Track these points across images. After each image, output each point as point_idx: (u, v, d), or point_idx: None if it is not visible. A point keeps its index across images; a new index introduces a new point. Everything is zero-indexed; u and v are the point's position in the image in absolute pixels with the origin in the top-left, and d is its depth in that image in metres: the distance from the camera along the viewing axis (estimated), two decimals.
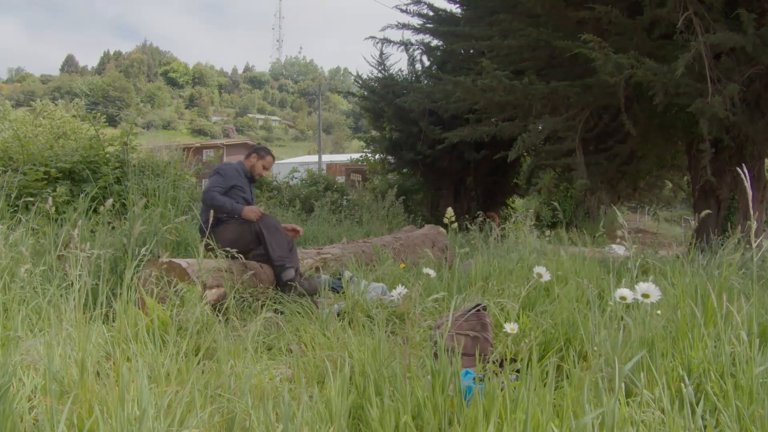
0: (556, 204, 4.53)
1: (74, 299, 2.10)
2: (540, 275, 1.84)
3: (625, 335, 1.97)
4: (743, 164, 2.04)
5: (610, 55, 5.79)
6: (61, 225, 3.74)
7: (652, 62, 5.81)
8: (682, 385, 1.53)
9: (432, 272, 2.05)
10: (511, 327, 1.74)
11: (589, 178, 7.35)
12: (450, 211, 2.18)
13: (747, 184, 1.88)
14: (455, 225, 2.23)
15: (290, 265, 3.76)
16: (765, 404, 1.61)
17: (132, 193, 4.31)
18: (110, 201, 2.77)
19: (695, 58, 5.58)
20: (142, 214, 3.98)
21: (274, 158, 4.36)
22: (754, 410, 1.57)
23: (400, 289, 1.89)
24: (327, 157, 34.69)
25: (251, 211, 3.82)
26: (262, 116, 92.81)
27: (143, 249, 2.68)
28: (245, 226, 3.83)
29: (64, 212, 4.27)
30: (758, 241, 2.12)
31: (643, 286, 1.67)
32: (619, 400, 1.48)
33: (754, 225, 1.94)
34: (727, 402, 1.62)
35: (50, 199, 2.94)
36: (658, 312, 2.05)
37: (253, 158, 4.20)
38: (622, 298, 1.72)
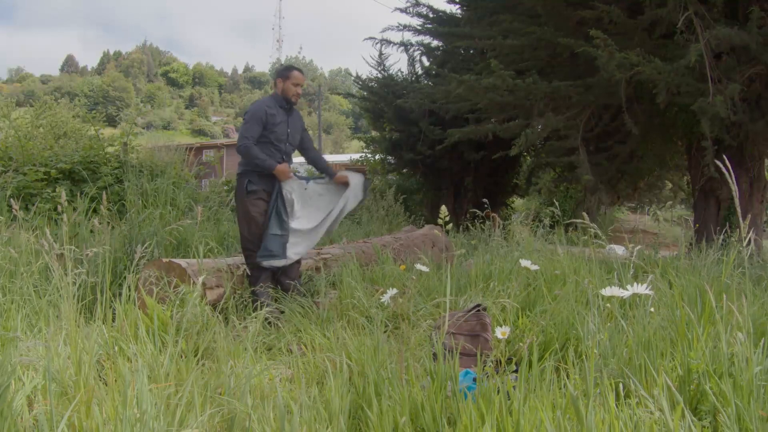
0: (556, 205, 4.51)
1: (74, 298, 2.10)
2: (527, 268, 1.86)
3: (622, 336, 1.97)
4: (742, 164, 2.05)
5: (614, 53, 5.80)
6: (58, 224, 3.74)
7: (658, 61, 5.82)
8: (669, 385, 1.53)
9: (425, 268, 2.06)
10: (501, 331, 1.72)
11: (591, 176, 7.36)
12: (444, 210, 2.17)
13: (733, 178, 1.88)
14: (450, 225, 2.23)
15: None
16: (765, 405, 1.61)
17: (131, 194, 4.31)
18: (104, 201, 2.77)
19: (698, 53, 5.58)
20: (141, 215, 3.99)
21: (300, 71, 3.80)
22: (754, 410, 1.57)
23: (391, 292, 1.90)
24: (327, 158, 34.61)
25: (282, 172, 3.55)
26: None
27: (143, 249, 2.68)
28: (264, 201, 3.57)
29: (62, 212, 4.26)
30: (749, 237, 2.12)
31: (633, 287, 1.68)
32: (613, 401, 1.48)
33: (745, 225, 1.94)
34: (726, 402, 1.61)
35: (63, 194, 2.93)
36: (651, 309, 2.05)
37: (279, 83, 3.70)
38: (613, 296, 1.72)
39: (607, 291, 1.72)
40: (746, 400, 1.63)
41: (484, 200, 6.21)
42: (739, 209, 2.11)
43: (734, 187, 1.97)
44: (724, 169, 1.96)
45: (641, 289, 1.68)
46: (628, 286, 1.70)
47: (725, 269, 2.70)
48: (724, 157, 2.07)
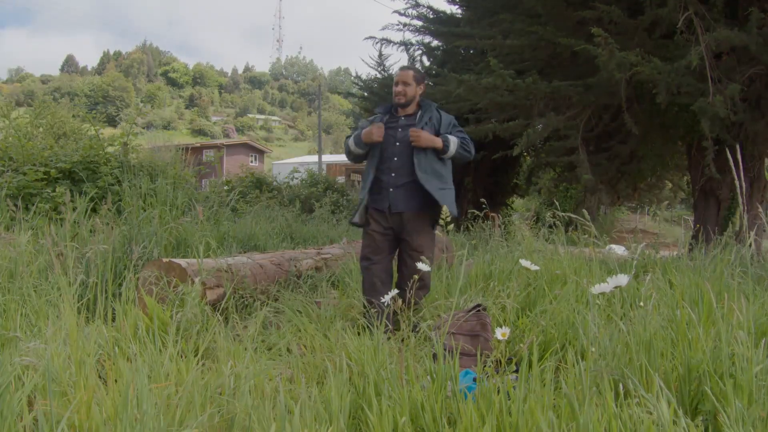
0: (557, 205, 4.48)
1: (73, 298, 2.09)
2: (527, 268, 1.86)
3: (622, 336, 1.97)
4: (742, 164, 2.05)
5: (614, 51, 5.80)
6: (61, 225, 3.74)
7: (658, 60, 5.83)
8: (661, 386, 1.53)
9: (426, 267, 2.06)
10: (502, 332, 1.71)
11: (591, 175, 7.36)
12: (445, 210, 2.17)
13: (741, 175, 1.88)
14: (450, 227, 2.23)
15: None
16: (765, 405, 1.61)
17: (128, 195, 4.31)
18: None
19: (699, 55, 5.59)
20: (140, 215, 3.98)
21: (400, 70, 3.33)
22: (754, 411, 1.57)
23: (392, 293, 1.91)
24: (327, 158, 34.71)
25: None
26: (262, 116, 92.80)
27: (141, 249, 2.68)
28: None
29: (61, 213, 4.27)
30: (752, 235, 2.12)
31: (614, 279, 1.69)
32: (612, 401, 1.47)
33: (746, 220, 1.94)
34: (726, 402, 1.61)
35: (67, 193, 2.92)
36: (641, 304, 2.05)
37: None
38: (601, 293, 1.72)
39: (597, 288, 1.72)
40: (746, 400, 1.63)
41: (482, 200, 6.19)
42: (744, 206, 2.11)
43: (739, 183, 1.96)
44: (731, 160, 1.95)
45: (621, 279, 1.68)
46: (608, 279, 1.70)
47: (718, 266, 2.70)
48: (728, 151, 2.07)
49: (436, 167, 3.10)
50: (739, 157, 1.99)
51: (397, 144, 3.14)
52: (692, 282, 2.84)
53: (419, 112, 3.20)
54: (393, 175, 3.12)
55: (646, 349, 1.90)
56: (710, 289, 2.07)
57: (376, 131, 3.12)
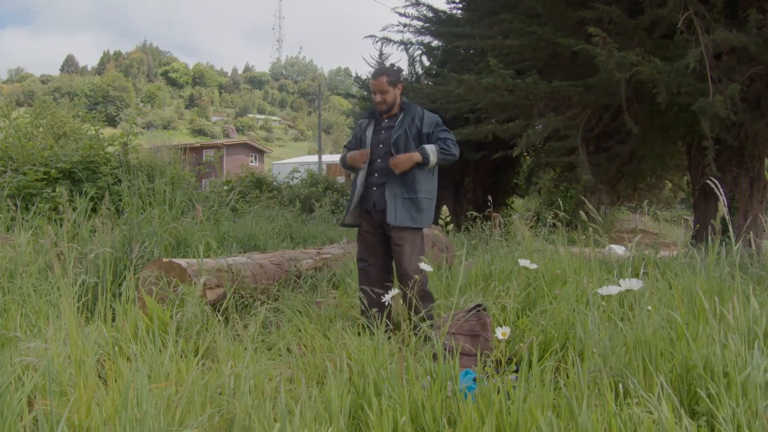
0: (560, 203, 4.47)
1: (73, 298, 2.10)
2: (527, 268, 1.86)
3: (621, 336, 1.97)
4: (742, 164, 2.06)
5: (613, 51, 5.80)
6: (61, 225, 3.74)
7: (658, 60, 5.83)
8: (662, 386, 1.53)
9: (428, 267, 2.06)
10: (502, 332, 1.71)
11: (591, 175, 7.36)
12: (445, 210, 2.18)
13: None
14: (450, 227, 2.23)
15: None
16: (758, 403, 1.61)
17: (127, 194, 4.31)
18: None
19: (697, 57, 5.59)
20: (139, 215, 3.98)
21: (373, 76, 3.32)
22: (747, 410, 1.57)
23: (392, 293, 1.91)
24: (327, 157, 34.69)
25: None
26: (262, 116, 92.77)
27: (141, 248, 2.68)
28: None
29: (61, 213, 4.27)
30: (741, 239, 2.13)
31: (626, 282, 1.69)
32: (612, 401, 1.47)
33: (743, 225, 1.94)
34: (722, 402, 1.61)
35: (64, 193, 2.93)
36: (649, 308, 2.05)
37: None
38: (608, 295, 1.73)
39: (604, 290, 1.73)
40: (736, 400, 1.63)
41: (488, 198, 6.17)
42: (729, 218, 2.11)
43: (723, 199, 1.97)
44: (715, 187, 1.96)
45: (634, 284, 1.68)
46: (621, 281, 1.71)
47: (716, 267, 2.70)
48: (711, 182, 2.07)
49: (411, 176, 3.11)
50: (745, 157, 1.99)
51: (380, 146, 3.21)
52: (690, 282, 2.84)
53: (400, 115, 3.22)
54: (376, 175, 3.20)
55: (645, 348, 1.90)
56: (700, 291, 2.07)
57: (359, 158, 3.20)
